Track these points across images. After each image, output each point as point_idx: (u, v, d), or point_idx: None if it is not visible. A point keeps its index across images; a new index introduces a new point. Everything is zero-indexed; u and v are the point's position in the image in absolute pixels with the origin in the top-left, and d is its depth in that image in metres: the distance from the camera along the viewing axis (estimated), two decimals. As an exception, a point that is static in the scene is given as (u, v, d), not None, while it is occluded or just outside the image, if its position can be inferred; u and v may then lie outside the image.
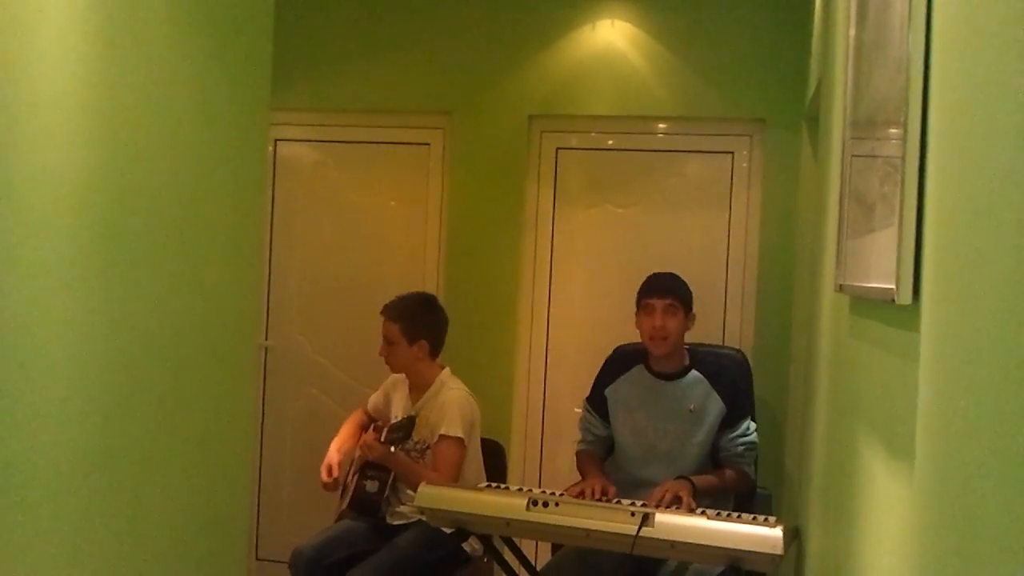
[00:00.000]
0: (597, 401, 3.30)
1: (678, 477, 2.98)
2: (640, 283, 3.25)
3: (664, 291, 3.15)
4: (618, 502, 2.85)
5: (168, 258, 2.51)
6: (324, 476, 3.40)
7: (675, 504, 2.82)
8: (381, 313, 3.47)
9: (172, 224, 2.53)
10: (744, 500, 3.21)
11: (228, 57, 2.79)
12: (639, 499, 2.93)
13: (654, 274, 3.27)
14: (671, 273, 3.26)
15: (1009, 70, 0.75)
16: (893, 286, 1.08)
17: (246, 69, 2.91)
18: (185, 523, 2.66)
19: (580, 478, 3.35)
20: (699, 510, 2.77)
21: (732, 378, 3.23)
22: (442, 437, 3.31)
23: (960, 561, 0.82)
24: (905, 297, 1.06)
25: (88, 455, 2.21)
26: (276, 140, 4.46)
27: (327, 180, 4.51)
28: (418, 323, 3.45)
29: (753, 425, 3.19)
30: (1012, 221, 0.71)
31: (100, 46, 2.19)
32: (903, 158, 1.08)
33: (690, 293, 3.20)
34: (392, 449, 3.32)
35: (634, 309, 3.23)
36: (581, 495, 2.91)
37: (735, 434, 3.13)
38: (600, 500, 2.86)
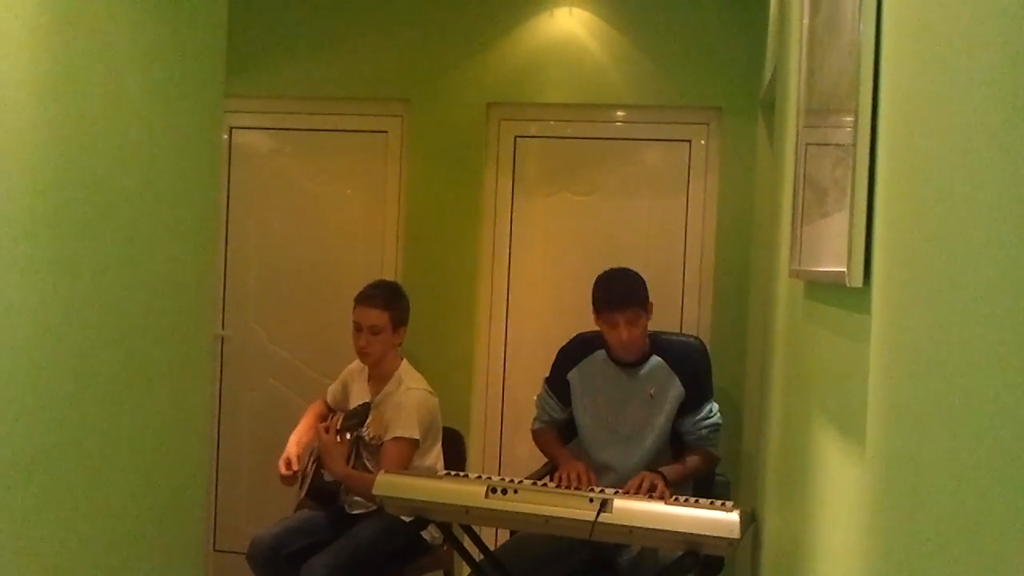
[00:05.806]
0: (558, 384, 3.30)
1: (649, 470, 3.00)
2: (594, 279, 3.15)
3: (624, 304, 3.05)
4: (591, 488, 2.86)
5: (120, 248, 2.48)
6: (283, 469, 3.37)
7: (651, 491, 2.84)
8: (364, 303, 3.38)
9: (124, 213, 2.49)
10: (703, 486, 3.24)
11: (182, 43, 2.75)
12: (600, 483, 2.98)
13: (608, 282, 3.13)
14: (624, 276, 3.14)
15: (957, 56, 0.76)
16: (845, 269, 1.09)
17: (200, 55, 2.87)
18: (141, 515, 2.63)
19: (541, 459, 3.39)
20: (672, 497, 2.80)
21: (693, 362, 3.23)
22: (395, 438, 3.29)
23: (908, 539, 0.83)
24: (856, 280, 1.07)
25: (38, 449, 2.18)
26: (231, 127, 4.41)
27: (283, 168, 4.47)
28: (404, 311, 3.45)
29: (716, 407, 3.21)
30: (959, 204, 0.72)
31: (52, 31, 2.14)
32: (854, 143, 1.09)
33: (646, 289, 3.12)
34: (348, 436, 3.33)
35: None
36: (568, 483, 2.90)
37: (699, 417, 3.16)
38: (583, 488, 2.86)
